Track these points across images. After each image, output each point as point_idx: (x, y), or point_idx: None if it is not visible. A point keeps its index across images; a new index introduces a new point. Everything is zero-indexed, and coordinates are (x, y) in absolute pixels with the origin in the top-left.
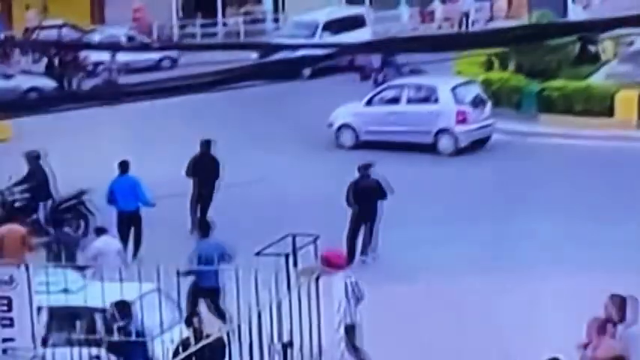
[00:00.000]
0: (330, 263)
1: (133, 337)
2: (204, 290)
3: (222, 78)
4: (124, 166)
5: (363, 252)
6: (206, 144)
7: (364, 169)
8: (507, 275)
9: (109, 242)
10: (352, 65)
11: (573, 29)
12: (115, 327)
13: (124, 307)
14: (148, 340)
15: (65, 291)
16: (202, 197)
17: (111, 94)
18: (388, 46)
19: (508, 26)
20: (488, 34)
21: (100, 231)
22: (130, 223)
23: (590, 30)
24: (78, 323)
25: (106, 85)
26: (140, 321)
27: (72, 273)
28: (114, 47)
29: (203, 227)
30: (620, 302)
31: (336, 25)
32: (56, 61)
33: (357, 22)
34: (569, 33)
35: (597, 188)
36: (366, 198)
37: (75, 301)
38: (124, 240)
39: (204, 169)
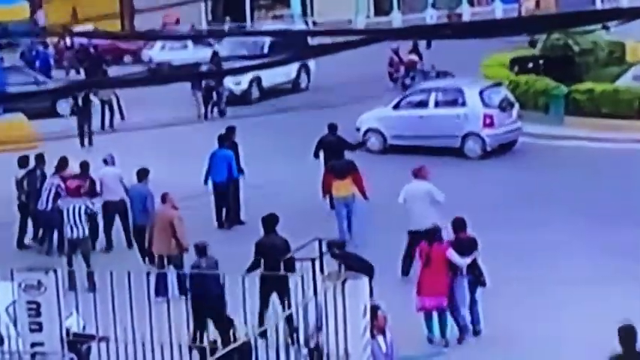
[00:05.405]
0: None
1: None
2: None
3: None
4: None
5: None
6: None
7: (330, 128)
8: (529, 283)
9: (108, 170)
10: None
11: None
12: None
13: None
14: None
15: None
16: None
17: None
18: (416, 33)
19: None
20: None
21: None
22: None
23: (616, 18)
24: None
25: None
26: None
27: None
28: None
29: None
30: None
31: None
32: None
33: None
34: (595, 21)
35: (624, 191)
36: (330, 151)
37: None
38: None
39: None
